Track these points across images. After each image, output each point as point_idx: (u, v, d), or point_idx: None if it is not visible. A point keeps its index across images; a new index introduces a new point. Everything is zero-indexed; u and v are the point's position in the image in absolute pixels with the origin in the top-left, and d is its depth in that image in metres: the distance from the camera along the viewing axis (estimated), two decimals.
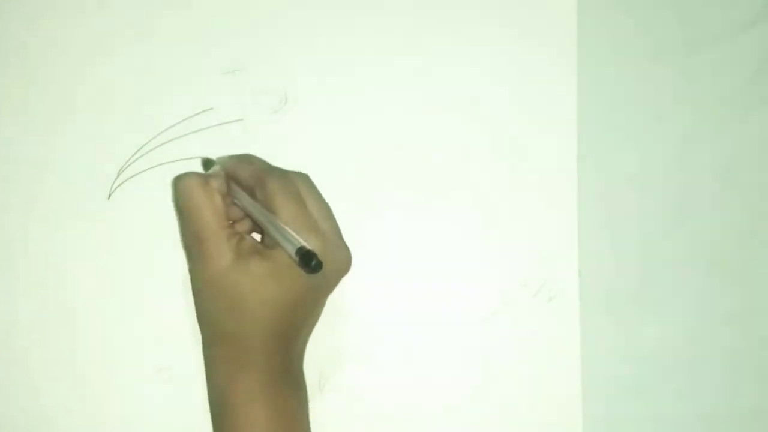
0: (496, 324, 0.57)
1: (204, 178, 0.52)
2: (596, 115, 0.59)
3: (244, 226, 0.53)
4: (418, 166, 0.58)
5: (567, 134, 0.58)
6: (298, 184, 0.52)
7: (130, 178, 0.57)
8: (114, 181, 0.57)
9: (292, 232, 0.49)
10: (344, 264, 0.52)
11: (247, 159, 0.54)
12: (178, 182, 0.52)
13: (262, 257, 0.50)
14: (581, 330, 0.57)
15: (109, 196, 0.57)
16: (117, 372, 0.55)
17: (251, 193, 0.52)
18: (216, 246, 0.50)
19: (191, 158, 0.57)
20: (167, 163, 0.57)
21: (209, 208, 0.51)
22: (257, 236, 0.54)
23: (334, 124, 0.58)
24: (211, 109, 0.57)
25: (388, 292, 0.57)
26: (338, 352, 0.55)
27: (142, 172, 0.57)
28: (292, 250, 0.48)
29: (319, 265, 0.47)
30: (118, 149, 0.57)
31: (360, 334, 0.56)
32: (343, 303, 0.55)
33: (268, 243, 0.52)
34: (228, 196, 0.52)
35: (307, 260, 0.47)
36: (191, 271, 0.53)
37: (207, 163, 0.56)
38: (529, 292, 0.57)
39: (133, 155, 0.57)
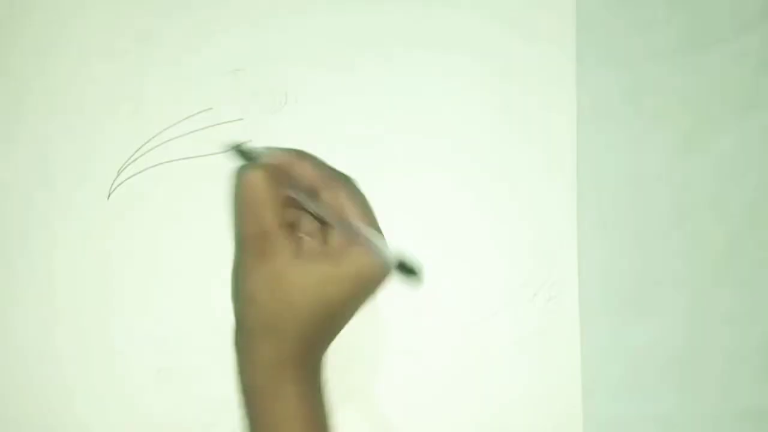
0: (496, 324, 0.57)
1: (269, 173, 0.51)
2: (595, 115, 0.59)
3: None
4: (418, 167, 0.58)
5: (567, 134, 0.58)
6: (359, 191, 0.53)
7: (130, 178, 0.57)
8: (114, 181, 0.57)
9: (380, 240, 0.50)
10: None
11: (299, 154, 0.54)
12: (246, 175, 0.51)
13: (328, 261, 0.50)
14: (581, 330, 0.57)
15: (109, 196, 0.57)
16: (118, 373, 0.55)
17: (311, 193, 0.52)
18: (280, 242, 0.50)
19: (191, 158, 0.57)
20: (167, 162, 0.57)
21: (275, 204, 0.50)
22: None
23: (334, 124, 0.58)
24: (211, 108, 0.57)
25: (387, 292, 0.57)
26: (338, 353, 0.54)
27: (142, 171, 0.57)
28: (388, 260, 0.49)
29: (419, 273, 0.49)
30: (118, 149, 0.57)
31: (360, 335, 0.56)
32: None
33: (335, 245, 0.51)
34: (285, 191, 0.52)
35: (409, 270, 0.49)
36: (245, 264, 0.51)
37: (245, 153, 0.54)
38: (528, 292, 0.57)
39: (133, 155, 0.57)
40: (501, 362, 0.57)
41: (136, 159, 0.57)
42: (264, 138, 0.57)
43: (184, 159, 0.57)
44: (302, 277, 0.50)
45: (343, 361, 0.54)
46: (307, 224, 0.53)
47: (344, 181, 0.53)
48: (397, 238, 0.57)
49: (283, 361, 0.50)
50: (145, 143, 0.57)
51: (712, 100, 0.60)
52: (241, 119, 0.57)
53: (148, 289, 0.56)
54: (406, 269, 0.49)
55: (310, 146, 0.54)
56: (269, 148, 0.54)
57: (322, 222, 0.52)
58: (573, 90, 0.58)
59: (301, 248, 0.51)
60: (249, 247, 0.51)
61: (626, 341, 0.58)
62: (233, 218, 0.54)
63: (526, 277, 0.57)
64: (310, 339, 0.51)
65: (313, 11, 0.58)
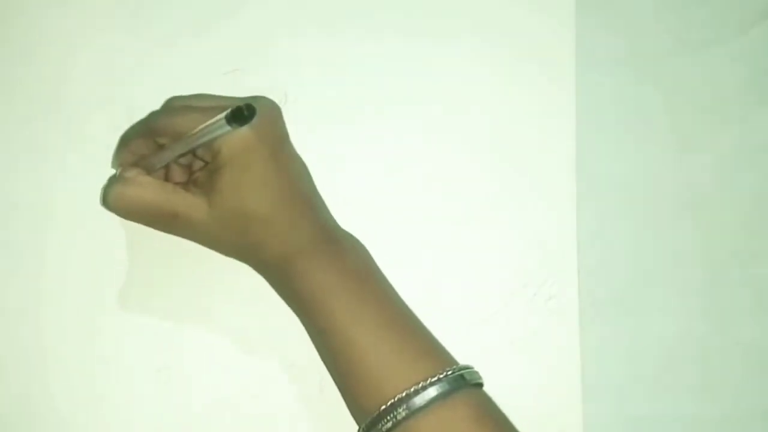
0: (496, 324, 0.57)
1: (120, 179, 0.52)
2: (595, 115, 0.59)
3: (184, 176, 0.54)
4: (418, 166, 0.58)
5: (566, 135, 0.58)
6: (168, 104, 0.53)
7: None
8: None
9: (204, 123, 0.48)
10: (266, 107, 0.51)
11: (124, 140, 0.54)
12: (108, 200, 0.52)
13: (218, 172, 0.50)
14: (580, 329, 0.57)
15: None
16: (117, 372, 0.55)
17: (158, 150, 0.52)
18: (188, 206, 0.51)
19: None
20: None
21: (152, 192, 0.51)
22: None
23: (334, 124, 0.58)
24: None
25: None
26: None
27: None
28: (225, 127, 0.47)
29: (251, 108, 0.46)
30: None
31: None
32: None
33: (210, 159, 0.51)
34: (148, 168, 0.52)
35: (239, 116, 0.46)
36: (193, 238, 0.53)
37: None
38: (528, 292, 0.57)
39: None
40: (501, 362, 0.57)
41: None
42: None
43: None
44: (223, 206, 0.50)
45: None
46: (198, 167, 0.53)
47: (161, 114, 0.53)
48: (395, 237, 0.57)
49: (280, 262, 0.51)
50: None
51: (712, 100, 0.60)
52: None
53: (148, 289, 0.56)
54: (241, 117, 0.46)
55: (310, 146, 0.54)
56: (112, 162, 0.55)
57: (194, 155, 0.53)
58: (573, 90, 0.58)
59: (205, 188, 0.51)
60: (179, 230, 0.52)
61: (626, 341, 0.58)
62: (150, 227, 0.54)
63: (526, 277, 0.57)
64: (279, 227, 0.50)
65: (313, 11, 0.58)
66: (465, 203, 0.58)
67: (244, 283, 0.55)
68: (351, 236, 0.53)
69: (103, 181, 0.56)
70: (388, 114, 0.58)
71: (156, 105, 0.55)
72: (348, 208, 0.54)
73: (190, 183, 0.53)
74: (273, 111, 0.52)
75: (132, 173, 0.52)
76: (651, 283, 0.58)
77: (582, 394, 0.56)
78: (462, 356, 0.57)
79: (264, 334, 0.56)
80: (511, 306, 0.57)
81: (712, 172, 0.59)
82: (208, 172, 0.51)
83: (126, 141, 0.54)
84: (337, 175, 0.55)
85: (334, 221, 0.54)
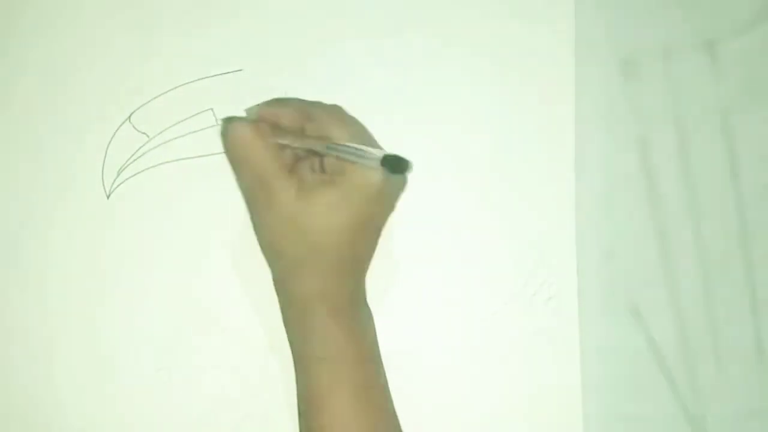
0: (496, 324, 0.57)
1: (254, 125, 0.52)
2: (594, 115, 0.59)
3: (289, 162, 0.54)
4: (418, 167, 0.58)
5: (565, 134, 0.58)
6: (337, 108, 0.54)
7: (130, 178, 0.57)
8: (114, 181, 0.57)
9: (364, 147, 0.49)
10: (401, 181, 0.53)
11: (279, 102, 0.55)
12: (230, 132, 0.52)
13: (329, 186, 0.51)
14: (580, 329, 0.57)
15: (109, 196, 0.57)
16: (117, 372, 0.55)
17: (297, 131, 0.53)
18: (281, 185, 0.51)
19: (191, 158, 0.57)
20: (167, 162, 0.57)
21: (266, 151, 0.52)
22: None
23: None
24: (211, 109, 0.57)
25: (387, 292, 0.57)
26: None
27: (142, 171, 0.57)
28: (376, 161, 0.48)
29: (407, 164, 0.47)
30: (118, 149, 0.57)
31: None
32: None
33: (331, 171, 0.52)
34: (275, 140, 0.53)
35: (396, 163, 0.47)
36: (257, 216, 0.53)
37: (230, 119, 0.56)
38: (528, 292, 0.57)
39: (133, 155, 0.57)
40: (500, 362, 0.57)
41: (136, 159, 0.57)
42: None
43: (184, 159, 0.57)
44: (308, 211, 0.50)
45: None
46: (307, 164, 0.53)
47: (327, 110, 0.53)
48: (395, 237, 0.57)
49: (313, 292, 0.51)
50: (146, 143, 0.57)
51: (712, 99, 0.60)
52: None
53: (148, 289, 0.56)
54: (396, 165, 0.48)
55: None
56: (249, 108, 0.55)
57: (317, 155, 0.53)
58: (572, 90, 0.58)
59: (303, 184, 0.51)
60: (254, 199, 0.53)
61: (626, 341, 0.58)
62: (235, 178, 0.54)
63: (525, 277, 0.57)
64: (336, 269, 0.51)
65: (313, 11, 0.58)
66: (464, 203, 0.58)
67: (244, 284, 0.55)
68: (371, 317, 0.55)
69: (105, 180, 0.56)
70: (388, 114, 0.58)
71: (155, 105, 0.55)
72: None
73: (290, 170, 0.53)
74: (403, 186, 0.54)
75: (264, 127, 0.52)
76: (651, 283, 0.58)
77: (582, 394, 0.56)
78: (462, 356, 0.57)
79: (264, 334, 0.56)
80: (511, 306, 0.57)
81: (711, 171, 0.59)
82: (318, 178, 0.52)
83: (280, 103, 0.55)
84: None
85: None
